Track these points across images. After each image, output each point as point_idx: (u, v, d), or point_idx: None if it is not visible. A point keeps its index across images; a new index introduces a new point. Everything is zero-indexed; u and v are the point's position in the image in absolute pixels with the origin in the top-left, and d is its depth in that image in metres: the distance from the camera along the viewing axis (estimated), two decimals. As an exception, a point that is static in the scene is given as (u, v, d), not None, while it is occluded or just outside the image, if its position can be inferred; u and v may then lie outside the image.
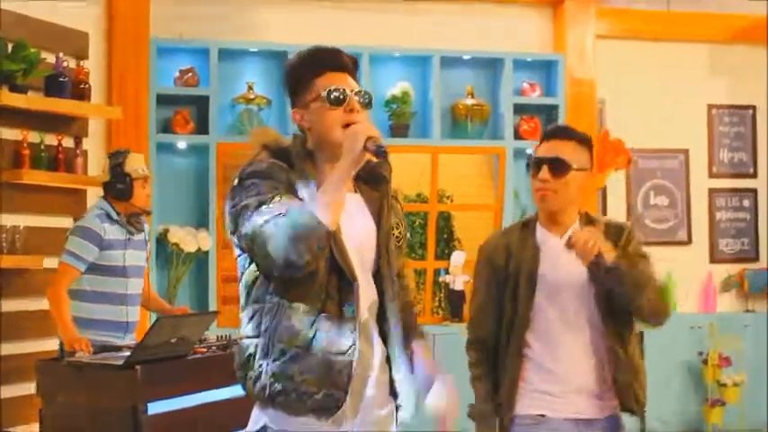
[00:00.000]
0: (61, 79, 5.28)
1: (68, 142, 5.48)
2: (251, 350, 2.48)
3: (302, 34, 6.56)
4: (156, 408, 3.73)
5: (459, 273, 6.61)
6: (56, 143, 5.37)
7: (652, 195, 7.78)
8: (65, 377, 3.89)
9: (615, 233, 3.12)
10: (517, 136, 6.89)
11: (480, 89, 6.92)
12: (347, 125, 2.45)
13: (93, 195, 5.55)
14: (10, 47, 5.05)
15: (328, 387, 2.41)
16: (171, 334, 3.83)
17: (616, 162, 7.09)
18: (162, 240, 6.11)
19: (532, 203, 3.32)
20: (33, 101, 5.18)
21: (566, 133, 3.13)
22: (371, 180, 2.60)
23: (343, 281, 2.46)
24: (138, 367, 3.67)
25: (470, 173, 7.05)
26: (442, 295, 6.88)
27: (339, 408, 2.42)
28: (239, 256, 2.53)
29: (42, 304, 5.11)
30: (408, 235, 2.71)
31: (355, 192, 2.58)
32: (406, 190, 6.98)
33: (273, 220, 2.33)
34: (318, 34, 6.52)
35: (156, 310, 4.96)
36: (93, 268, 4.52)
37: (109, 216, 4.56)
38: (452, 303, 6.68)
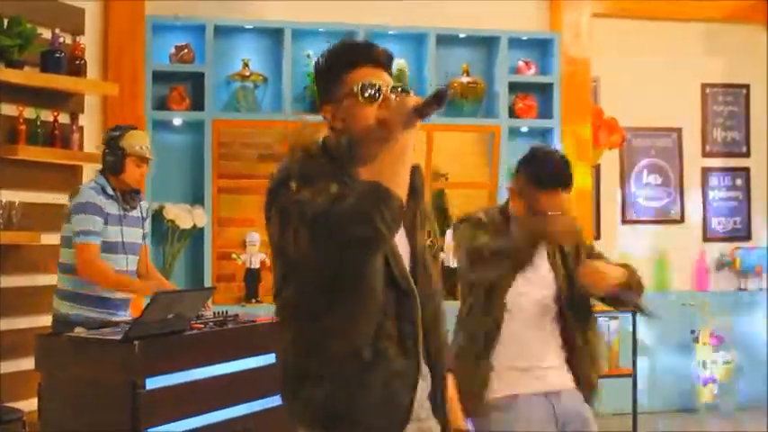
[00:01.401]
0: (57, 55, 5.27)
1: (64, 118, 5.47)
2: (297, 372, 2.28)
3: (298, 12, 6.56)
4: (154, 383, 3.74)
5: (454, 250, 6.62)
6: (52, 119, 5.36)
7: (645, 174, 7.81)
8: (63, 352, 3.89)
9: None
10: (512, 114, 6.90)
11: (475, 67, 6.92)
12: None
13: (90, 171, 5.55)
14: (5, 22, 5.03)
15: (390, 416, 2.22)
16: (169, 309, 3.84)
17: (610, 141, 7.12)
18: (157, 217, 6.12)
19: None
20: (30, 76, 5.16)
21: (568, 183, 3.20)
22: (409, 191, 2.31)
23: (401, 294, 2.25)
24: (136, 342, 3.69)
25: (465, 151, 7.06)
26: (436, 272, 6.89)
27: None
28: (277, 269, 2.32)
29: (39, 280, 5.15)
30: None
31: None
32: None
33: (332, 204, 2.11)
34: (314, 12, 6.53)
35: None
36: None
37: (104, 190, 4.48)
38: (447, 280, 6.69)
